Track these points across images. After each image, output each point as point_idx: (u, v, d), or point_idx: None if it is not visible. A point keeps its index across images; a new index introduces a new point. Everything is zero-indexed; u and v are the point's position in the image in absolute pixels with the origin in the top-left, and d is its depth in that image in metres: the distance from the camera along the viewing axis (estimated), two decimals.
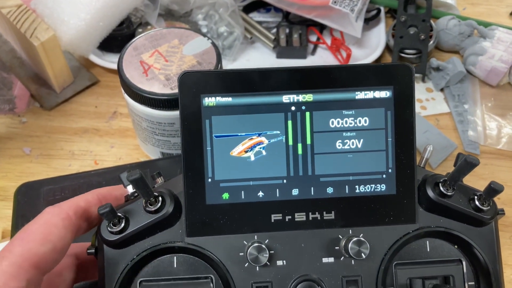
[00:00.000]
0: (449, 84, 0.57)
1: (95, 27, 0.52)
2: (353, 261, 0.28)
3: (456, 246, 0.29)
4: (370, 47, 0.60)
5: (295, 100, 0.28)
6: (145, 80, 0.41)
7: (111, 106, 0.54)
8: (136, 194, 0.29)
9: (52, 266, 0.25)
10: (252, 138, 0.28)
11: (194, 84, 0.28)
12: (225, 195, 0.28)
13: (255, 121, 0.28)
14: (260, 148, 0.28)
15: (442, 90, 0.58)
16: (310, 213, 0.28)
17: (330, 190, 0.28)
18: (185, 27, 0.58)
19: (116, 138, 0.51)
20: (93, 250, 0.28)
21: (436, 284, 0.28)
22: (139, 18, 0.57)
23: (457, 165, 0.27)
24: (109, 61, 0.56)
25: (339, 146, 0.28)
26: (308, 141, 0.28)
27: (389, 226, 0.28)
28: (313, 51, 0.60)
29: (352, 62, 0.58)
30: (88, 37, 0.52)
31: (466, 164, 0.27)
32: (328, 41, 0.60)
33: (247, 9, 0.62)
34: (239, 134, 0.28)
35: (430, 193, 0.28)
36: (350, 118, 0.28)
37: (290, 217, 0.28)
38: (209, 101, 0.28)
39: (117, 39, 0.56)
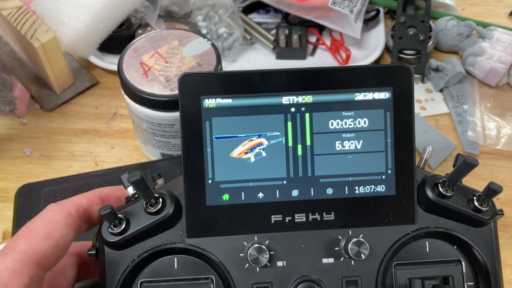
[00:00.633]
0: (448, 84, 0.57)
1: (95, 28, 0.52)
2: (352, 261, 0.28)
3: (455, 247, 0.29)
4: (369, 48, 0.60)
5: (295, 102, 0.28)
6: (145, 81, 0.41)
7: (111, 107, 0.54)
8: (137, 195, 0.29)
9: (54, 263, 0.26)
10: (252, 140, 0.28)
11: (194, 85, 0.28)
12: (225, 196, 0.28)
13: (255, 123, 0.28)
14: (260, 149, 0.28)
15: (441, 90, 0.58)
16: (310, 214, 0.28)
17: (329, 191, 0.29)
18: (184, 28, 0.58)
19: (116, 139, 0.51)
20: (94, 252, 0.28)
21: (436, 285, 0.28)
22: (139, 20, 0.58)
23: (456, 166, 0.28)
24: (109, 62, 0.56)
25: (338, 147, 0.29)
26: (308, 142, 0.28)
27: (388, 227, 0.28)
28: (313, 52, 0.61)
29: (351, 63, 0.58)
30: (88, 39, 0.52)
31: (465, 165, 0.27)
32: (328, 42, 0.61)
33: (247, 10, 0.63)
34: (239, 135, 0.28)
35: (429, 193, 0.28)
36: (350, 119, 0.29)
37: (290, 218, 0.28)
38: (209, 102, 0.28)
39: (117, 41, 0.56)
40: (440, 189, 0.28)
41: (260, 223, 0.28)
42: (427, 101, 0.57)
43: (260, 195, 0.28)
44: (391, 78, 0.29)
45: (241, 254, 0.28)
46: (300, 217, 0.28)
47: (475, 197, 0.28)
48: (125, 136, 0.51)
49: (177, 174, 0.32)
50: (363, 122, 0.29)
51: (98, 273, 0.28)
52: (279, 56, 0.59)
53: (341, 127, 0.29)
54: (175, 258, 0.28)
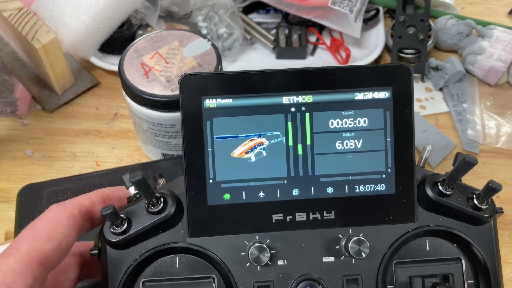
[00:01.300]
0: (448, 83, 0.57)
1: (95, 29, 0.52)
2: (353, 260, 0.28)
3: (455, 245, 0.29)
4: (369, 47, 0.60)
5: (295, 101, 0.28)
6: (146, 82, 0.41)
7: (112, 107, 0.54)
8: (138, 195, 0.29)
9: (57, 263, 0.26)
10: (252, 139, 0.28)
11: (195, 86, 0.28)
12: (226, 196, 0.28)
13: (255, 123, 0.28)
14: (261, 149, 0.28)
15: (441, 89, 0.58)
16: (310, 213, 0.28)
17: (330, 190, 0.29)
18: (185, 28, 0.58)
19: (117, 140, 0.51)
20: (96, 251, 0.28)
21: (436, 282, 0.28)
22: (139, 20, 0.58)
23: (455, 165, 0.27)
24: (110, 63, 0.56)
25: (338, 146, 0.29)
26: (308, 142, 0.28)
27: (388, 225, 0.28)
28: (313, 52, 0.61)
29: (351, 62, 0.58)
30: (89, 40, 0.52)
31: (464, 163, 0.27)
32: (328, 41, 0.61)
33: (247, 10, 0.63)
34: (239, 135, 0.28)
35: (429, 192, 0.28)
36: (350, 119, 0.29)
37: (290, 217, 0.28)
38: (210, 102, 0.28)
39: (117, 41, 0.56)
40: (440, 187, 0.28)
41: (261, 222, 0.28)
42: (427, 100, 0.57)
43: (261, 194, 0.28)
44: (390, 77, 0.29)
45: (242, 253, 0.28)
46: (300, 216, 0.28)
47: (474, 196, 0.28)
48: (126, 136, 0.52)
49: (178, 174, 0.32)
50: (363, 122, 0.29)
51: (100, 273, 0.28)
52: (279, 56, 0.59)
53: (341, 126, 0.29)
54: (177, 258, 0.28)
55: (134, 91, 0.40)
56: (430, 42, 0.59)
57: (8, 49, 0.58)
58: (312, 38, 0.61)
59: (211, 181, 0.28)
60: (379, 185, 0.29)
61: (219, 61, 0.43)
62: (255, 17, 0.63)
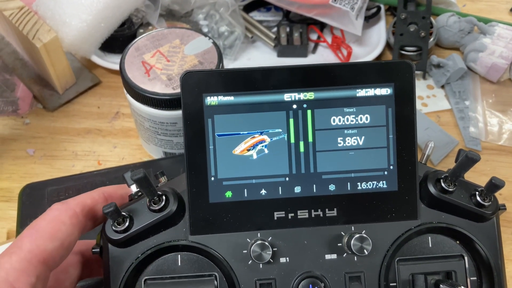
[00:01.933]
0: (449, 80, 0.57)
1: (96, 28, 0.52)
2: (355, 257, 0.28)
3: (458, 242, 0.29)
4: (370, 45, 0.59)
5: (297, 98, 0.28)
6: (147, 80, 0.41)
7: (114, 106, 0.54)
8: (140, 193, 0.29)
9: (60, 262, 0.26)
10: (254, 137, 0.28)
11: (196, 83, 0.28)
12: (228, 193, 0.28)
13: (257, 120, 0.28)
14: (262, 146, 0.28)
15: (443, 87, 0.58)
16: (312, 210, 0.28)
17: (332, 187, 0.28)
18: (186, 27, 0.58)
19: (119, 138, 0.51)
20: (98, 249, 0.28)
21: (439, 280, 0.28)
22: (140, 19, 0.58)
23: (458, 161, 0.27)
24: (111, 61, 0.56)
25: (340, 143, 0.28)
26: (310, 139, 0.28)
27: (391, 223, 0.28)
28: (314, 50, 0.60)
29: (352, 60, 0.58)
30: (90, 38, 0.52)
31: (467, 160, 0.27)
32: (329, 39, 0.60)
33: (248, 9, 0.63)
34: (241, 132, 0.28)
35: (432, 189, 0.28)
36: (351, 116, 0.28)
37: (292, 214, 0.28)
38: (211, 100, 0.28)
39: (118, 40, 0.56)
40: (442, 184, 0.28)
41: (263, 219, 0.28)
42: (429, 98, 0.57)
43: (263, 192, 0.28)
44: (392, 74, 0.28)
45: (244, 251, 0.28)
46: (302, 214, 0.28)
47: (477, 192, 0.28)
48: (127, 135, 0.52)
49: (180, 172, 0.32)
50: (365, 118, 0.29)
51: (102, 271, 0.28)
52: (281, 54, 0.59)
53: (343, 123, 0.28)
54: (179, 255, 0.28)
55: (136, 90, 0.40)
56: (431, 39, 0.58)
57: (9, 48, 0.58)
58: (313, 36, 0.61)
59: (212, 178, 0.28)
60: (381, 182, 0.29)
61: (220, 59, 0.42)
62: (256, 15, 0.62)
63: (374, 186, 0.29)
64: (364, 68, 0.29)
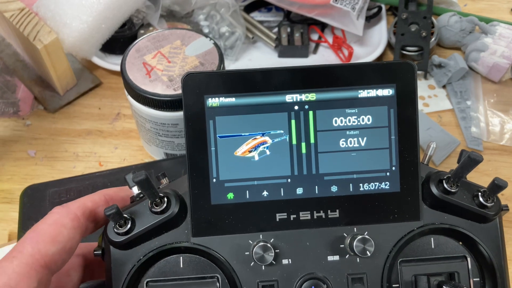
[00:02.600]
0: (451, 80, 0.57)
1: (97, 29, 0.52)
2: (358, 259, 0.28)
3: (460, 243, 0.29)
4: (371, 45, 0.59)
5: (298, 100, 0.28)
6: (148, 81, 0.41)
7: (115, 107, 0.54)
8: (142, 195, 0.29)
9: (61, 266, 0.26)
10: (255, 138, 0.28)
11: (197, 85, 0.28)
12: (230, 195, 0.28)
13: (258, 121, 0.28)
14: (264, 147, 0.28)
15: (444, 87, 0.57)
16: (314, 212, 0.28)
17: (334, 188, 0.28)
18: (187, 28, 0.58)
19: (120, 140, 0.51)
20: (100, 252, 0.28)
21: (441, 281, 0.28)
22: (140, 20, 0.58)
23: (460, 162, 0.27)
24: (112, 63, 0.56)
25: (342, 144, 0.28)
26: (312, 140, 0.28)
27: (393, 224, 0.28)
28: (315, 50, 0.60)
29: (354, 60, 0.58)
30: (91, 40, 0.52)
31: (469, 160, 0.26)
32: (330, 39, 0.60)
33: (248, 9, 0.62)
34: (243, 134, 0.28)
35: (434, 190, 0.28)
36: (353, 117, 0.28)
37: (295, 216, 0.28)
38: (213, 101, 0.28)
39: (119, 41, 0.56)
40: (445, 185, 0.28)
41: (265, 221, 0.28)
42: (430, 98, 0.57)
43: (265, 193, 0.28)
44: (394, 74, 0.28)
45: (246, 253, 0.28)
46: (305, 215, 0.28)
47: (480, 193, 0.28)
48: (128, 136, 0.51)
49: (181, 174, 0.32)
50: (366, 119, 0.28)
51: (104, 273, 0.28)
52: (282, 54, 0.59)
53: (345, 124, 0.28)
54: (181, 257, 0.28)
55: (137, 91, 0.40)
56: (433, 39, 0.58)
57: (10, 50, 0.58)
58: (314, 36, 0.61)
59: (214, 180, 0.28)
60: (383, 183, 0.28)
61: (221, 60, 0.42)
62: (257, 16, 0.62)
63: (376, 187, 0.28)
64: (366, 69, 0.28)
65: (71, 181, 0.44)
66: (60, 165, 0.49)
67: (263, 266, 0.28)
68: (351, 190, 0.28)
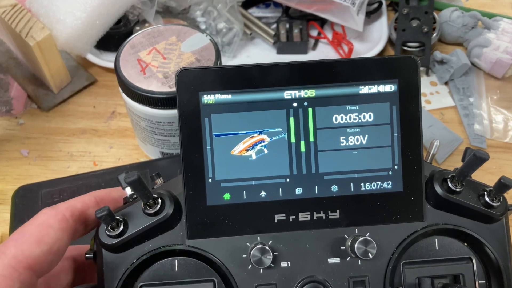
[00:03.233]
0: (453, 77, 0.56)
1: (91, 25, 0.51)
2: (359, 261, 0.27)
3: (465, 244, 0.28)
4: (372, 41, 0.59)
5: (297, 96, 0.27)
6: (142, 78, 0.40)
7: (110, 106, 0.53)
8: (135, 196, 0.28)
9: (48, 268, 0.25)
10: (253, 136, 0.27)
11: (192, 81, 0.27)
12: (227, 196, 0.27)
13: (256, 119, 0.27)
14: (262, 146, 0.27)
15: (446, 83, 0.57)
16: (314, 213, 0.28)
17: (334, 188, 0.28)
18: (182, 23, 0.57)
19: (115, 139, 0.50)
20: (92, 255, 0.28)
21: (446, 284, 0.27)
22: (136, 16, 0.57)
23: (465, 160, 0.27)
24: (107, 60, 0.55)
25: (343, 142, 0.28)
26: (311, 138, 0.28)
27: (396, 225, 0.28)
28: (314, 46, 0.60)
29: (354, 56, 0.57)
30: (85, 36, 0.51)
31: (475, 159, 0.26)
32: (329, 35, 0.60)
33: (246, 5, 0.62)
34: (239, 132, 0.27)
35: (438, 189, 0.27)
36: (354, 114, 0.28)
37: (294, 217, 0.27)
38: (208, 98, 0.27)
39: (114, 38, 0.55)
40: (449, 184, 0.27)
41: (263, 222, 0.27)
42: (432, 94, 0.56)
43: (263, 193, 0.27)
44: (396, 70, 0.28)
45: (243, 255, 0.27)
46: (304, 216, 0.28)
47: (485, 192, 0.27)
48: (124, 135, 0.51)
49: (177, 174, 0.31)
50: (368, 116, 0.28)
51: (96, 277, 0.27)
52: (280, 51, 0.58)
53: (346, 121, 0.28)
54: (176, 260, 0.27)
55: (131, 88, 0.39)
56: (434, 35, 0.58)
57: (2, 47, 0.57)
58: (314, 32, 0.60)
59: (210, 180, 0.27)
60: (385, 182, 0.28)
61: (218, 56, 0.41)
62: (255, 12, 0.61)
63: (378, 187, 0.28)
64: (367, 64, 0.28)
65: (64, 181, 0.43)
66: (54, 165, 0.48)
67: (261, 269, 0.27)
68: (352, 190, 0.28)
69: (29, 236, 0.24)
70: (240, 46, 0.58)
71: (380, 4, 0.61)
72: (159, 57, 0.41)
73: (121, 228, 0.26)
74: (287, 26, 0.59)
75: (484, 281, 0.28)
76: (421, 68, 0.57)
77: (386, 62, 0.28)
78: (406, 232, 0.27)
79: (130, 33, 0.56)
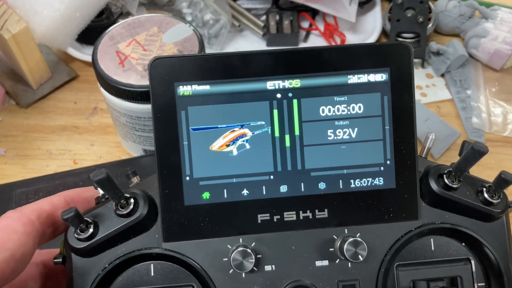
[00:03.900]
0: (450, 69, 0.55)
1: (71, 18, 0.49)
2: (349, 263, 0.26)
3: (463, 244, 0.27)
4: (365, 32, 0.57)
5: (281, 87, 0.26)
6: (121, 71, 0.38)
7: (91, 101, 0.51)
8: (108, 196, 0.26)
9: (11, 276, 0.24)
10: (234, 130, 0.26)
11: (167, 71, 0.26)
12: (206, 195, 0.26)
13: (236, 111, 0.26)
14: (243, 141, 0.26)
15: (443, 75, 0.56)
16: (300, 212, 0.26)
17: (322, 185, 0.26)
18: (165, 13, 0.55)
19: (96, 136, 0.49)
20: (61, 260, 0.26)
21: (443, 287, 0.26)
22: (119, 8, 0.55)
23: (463, 154, 0.26)
24: (89, 54, 0.53)
25: (331, 136, 0.26)
26: (297, 132, 0.26)
27: (388, 224, 0.26)
28: (305, 38, 0.58)
29: None
30: (64, 29, 0.49)
31: (473, 152, 0.25)
32: (321, 27, 0.58)
33: None
34: (219, 126, 0.26)
35: (434, 185, 0.26)
36: (343, 105, 0.26)
37: (278, 216, 0.26)
38: (184, 89, 0.26)
39: (96, 31, 0.53)
40: (446, 180, 0.26)
41: (245, 223, 0.26)
42: (428, 87, 0.54)
43: (245, 192, 0.26)
44: (388, 57, 0.27)
45: (224, 259, 0.26)
46: (289, 216, 0.26)
47: (484, 189, 0.26)
48: (106, 132, 0.49)
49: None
50: (357, 108, 0.26)
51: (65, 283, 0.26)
52: (270, 43, 0.57)
53: (333, 114, 0.26)
54: (152, 265, 0.26)
55: (109, 82, 0.37)
56: (430, 25, 0.56)
57: None
58: (305, 24, 0.59)
59: (187, 178, 0.26)
60: (377, 178, 0.26)
61: (201, 47, 0.39)
62: (244, 3, 0.60)
63: (369, 184, 0.26)
64: (356, 52, 0.27)
65: (41, 181, 0.41)
66: (32, 164, 0.47)
67: (243, 274, 0.26)
68: (341, 187, 0.26)
69: None
70: (228, 38, 0.56)
71: None
72: (139, 48, 0.39)
73: (91, 230, 0.25)
74: (277, 17, 0.58)
75: (483, 284, 0.27)
76: (417, 60, 0.56)
77: (377, 49, 0.27)
78: (400, 232, 0.26)
79: None
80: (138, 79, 0.37)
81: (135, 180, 0.29)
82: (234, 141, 0.26)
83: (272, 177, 0.26)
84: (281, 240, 0.26)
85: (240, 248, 0.25)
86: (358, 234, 0.26)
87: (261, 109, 0.26)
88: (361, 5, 0.58)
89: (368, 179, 0.26)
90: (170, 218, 0.26)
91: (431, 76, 0.55)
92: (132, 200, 0.25)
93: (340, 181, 0.26)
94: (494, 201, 0.26)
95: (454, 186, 0.26)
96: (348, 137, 0.26)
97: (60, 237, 0.27)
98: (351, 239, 0.25)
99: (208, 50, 0.53)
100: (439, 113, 0.52)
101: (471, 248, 0.26)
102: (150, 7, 0.57)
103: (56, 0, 0.47)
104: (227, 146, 0.26)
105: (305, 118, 0.26)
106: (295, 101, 0.26)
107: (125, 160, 0.43)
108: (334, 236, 0.26)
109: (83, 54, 0.53)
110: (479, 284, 0.27)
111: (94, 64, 0.39)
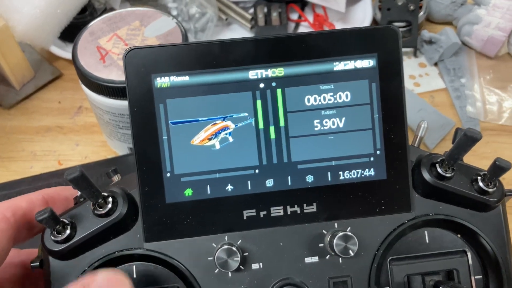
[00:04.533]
0: (443, 57, 0.54)
1: (52, 15, 0.48)
2: (340, 259, 0.25)
3: (459, 235, 0.26)
4: (355, 22, 0.57)
5: (264, 76, 0.25)
6: (102, 67, 0.37)
7: (76, 100, 0.50)
8: None
9: None
10: (215, 123, 0.25)
11: (143, 62, 0.25)
12: (188, 191, 0.25)
13: (218, 103, 0.25)
14: (226, 134, 0.25)
15: (436, 64, 0.55)
16: (288, 207, 0.25)
17: (310, 178, 0.25)
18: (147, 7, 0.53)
19: (81, 135, 0.47)
20: (38, 263, 0.25)
21: (438, 281, 0.25)
22: (103, 4, 0.53)
23: (455, 141, 0.25)
24: None
25: (317, 127, 0.25)
26: (282, 123, 0.25)
27: (380, 217, 0.26)
28: (295, 30, 0.57)
29: None
30: (46, 27, 0.48)
31: (466, 139, 0.24)
32: (310, 18, 0.58)
33: None
34: (200, 119, 0.25)
35: (426, 175, 0.25)
36: (329, 94, 0.25)
37: (265, 212, 0.25)
38: (162, 81, 0.25)
39: (79, 28, 0.51)
40: (439, 169, 0.25)
41: (230, 220, 0.25)
42: (421, 77, 0.53)
43: (229, 187, 0.25)
44: (375, 42, 0.26)
45: (209, 258, 0.25)
46: (277, 211, 0.25)
47: (479, 177, 0.25)
48: (91, 131, 0.48)
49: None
50: (344, 96, 0.25)
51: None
52: (258, 36, 0.55)
53: (319, 103, 0.25)
54: (134, 266, 0.25)
55: (89, 78, 0.36)
56: (421, 13, 0.56)
57: None
58: (294, 16, 0.58)
59: (168, 174, 0.25)
60: (367, 170, 0.26)
61: (185, 40, 0.38)
62: None
63: (359, 175, 0.26)
64: (342, 37, 0.26)
65: (23, 183, 0.40)
66: (16, 166, 0.46)
67: (229, 273, 0.25)
68: (329, 179, 0.26)
69: None
70: (215, 32, 0.55)
71: None
72: (121, 43, 0.38)
73: (68, 232, 0.24)
74: (265, 9, 0.58)
75: (480, 276, 0.26)
76: (409, 49, 0.55)
77: (363, 34, 0.26)
78: (392, 225, 0.25)
79: None
80: (120, 74, 0.36)
81: (116, 178, 0.28)
82: (216, 134, 0.25)
83: (257, 171, 0.25)
84: (268, 237, 0.25)
85: (225, 246, 0.24)
86: (349, 228, 0.25)
87: (243, 100, 0.25)
88: None
89: (357, 170, 0.25)
90: (151, 217, 0.25)
91: (424, 65, 0.55)
92: (110, 199, 0.24)
93: (329, 173, 0.25)
94: (490, 190, 0.25)
95: (447, 175, 0.25)
96: (335, 127, 0.25)
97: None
98: (341, 234, 0.24)
99: None
100: (432, 103, 0.51)
101: (467, 239, 0.26)
102: (134, 2, 0.56)
103: None
104: (209, 140, 0.25)
105: (290, 108, 0.25)
106: (279, 91, 0.25)
107: (110, 159, 0.41)
108: (323, 231, 0.25)
109: (67, 52, 0.52)
110: (476, 277, 0.26)
111: (74, 60, 0.37)
